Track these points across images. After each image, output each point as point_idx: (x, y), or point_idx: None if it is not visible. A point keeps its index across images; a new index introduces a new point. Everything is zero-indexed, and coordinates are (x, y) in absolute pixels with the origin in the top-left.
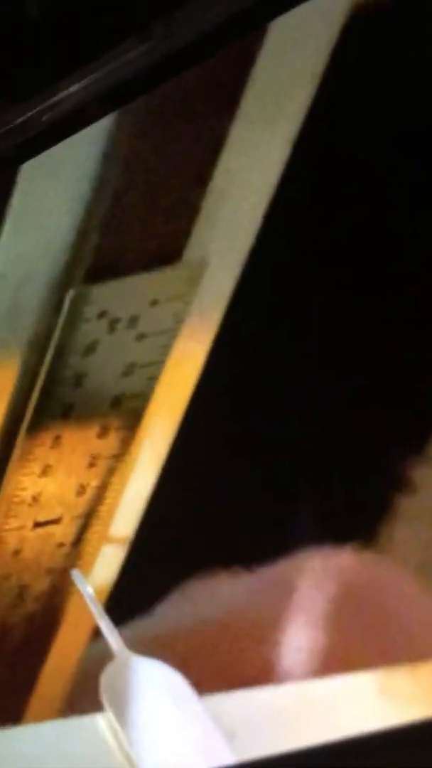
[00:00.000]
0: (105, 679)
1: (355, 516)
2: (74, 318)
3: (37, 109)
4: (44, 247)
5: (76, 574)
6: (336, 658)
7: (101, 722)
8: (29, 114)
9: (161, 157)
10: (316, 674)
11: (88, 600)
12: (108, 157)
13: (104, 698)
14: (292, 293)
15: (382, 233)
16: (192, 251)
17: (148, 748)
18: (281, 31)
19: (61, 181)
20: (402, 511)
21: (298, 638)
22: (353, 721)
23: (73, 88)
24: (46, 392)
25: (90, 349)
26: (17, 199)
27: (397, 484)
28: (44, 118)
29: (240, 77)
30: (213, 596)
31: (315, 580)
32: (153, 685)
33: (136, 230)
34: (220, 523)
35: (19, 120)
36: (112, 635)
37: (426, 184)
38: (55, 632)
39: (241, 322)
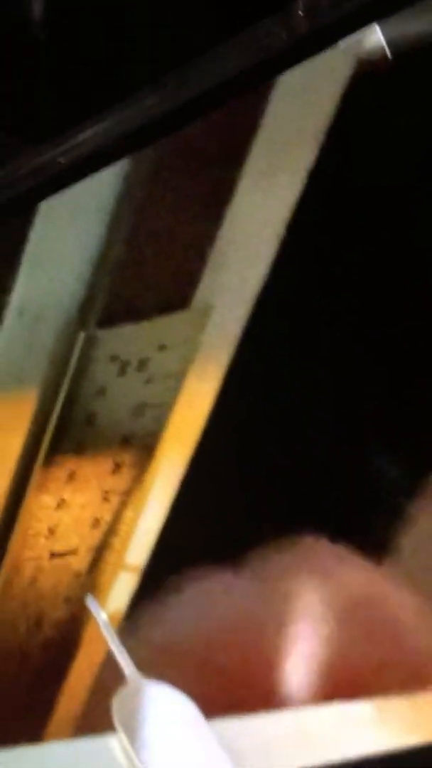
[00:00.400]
0: (117, 701)
1: (360, 545)
2: (85, 361)
3: (56, 151)
4: (60, 285)
5: (90, 601)
6: (340, 679)
7: (113, 743)
8: (47, 156)
9: (173, 204)
10: (318, 695)
11: (102, 626)
12: (122, 202)
13: (116, 720)
14: (297, 336)
15: (387, 279)
16: (200, 297)
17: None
18: (288, 84)
19: (78, 222)
20: (404, 538)
21: (303, 658)
22: (353, 747)
23: (90, 133)
24: (59, 429)
25: (101, 391)
26: (34, 238)
27: (401, 515)
28: (62, 161)
29: (249, 127)
30: (219, 608)
31: (320, 598)
32: (163, 709)
33: (147, 276)
34: (228, 551)
35: (38, 161)
36: (124, 659)
37: (427, 234)
38: (72, 657)
39: (248, 363)
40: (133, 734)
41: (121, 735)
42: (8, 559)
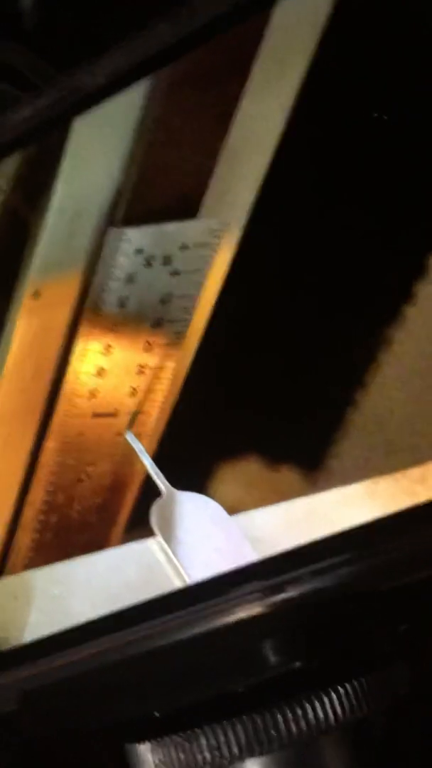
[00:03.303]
0: (154, 511)
1: None
2: (114, 252)
3: (86, 75)
4: (94, 187)
5: (129, 435)
6: None
7: (153, 545)
8: (79, 79)
9: (187, 118)
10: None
11: (139, 453)
12: (143, 117)
13: (154, 526)
14: (296, 240)
15: (371, 188)
16: (209, 207)
17: (191, 559)
18: (283, 11)
19: (106, 135)
20: None
21: None
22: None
23: (115, 57)
24: (96, 307)
25: (130, 278)
26: (71, 149)
27: None
28: (91, 83)
29: (253, 44)
30: None
31: None
32: (192, 512)
33: (165, 183)
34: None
35: (72, 84)
36: (159, 477)
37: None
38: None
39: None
40: (168, 535)
41: (159, 538)
42: (56, 418)
